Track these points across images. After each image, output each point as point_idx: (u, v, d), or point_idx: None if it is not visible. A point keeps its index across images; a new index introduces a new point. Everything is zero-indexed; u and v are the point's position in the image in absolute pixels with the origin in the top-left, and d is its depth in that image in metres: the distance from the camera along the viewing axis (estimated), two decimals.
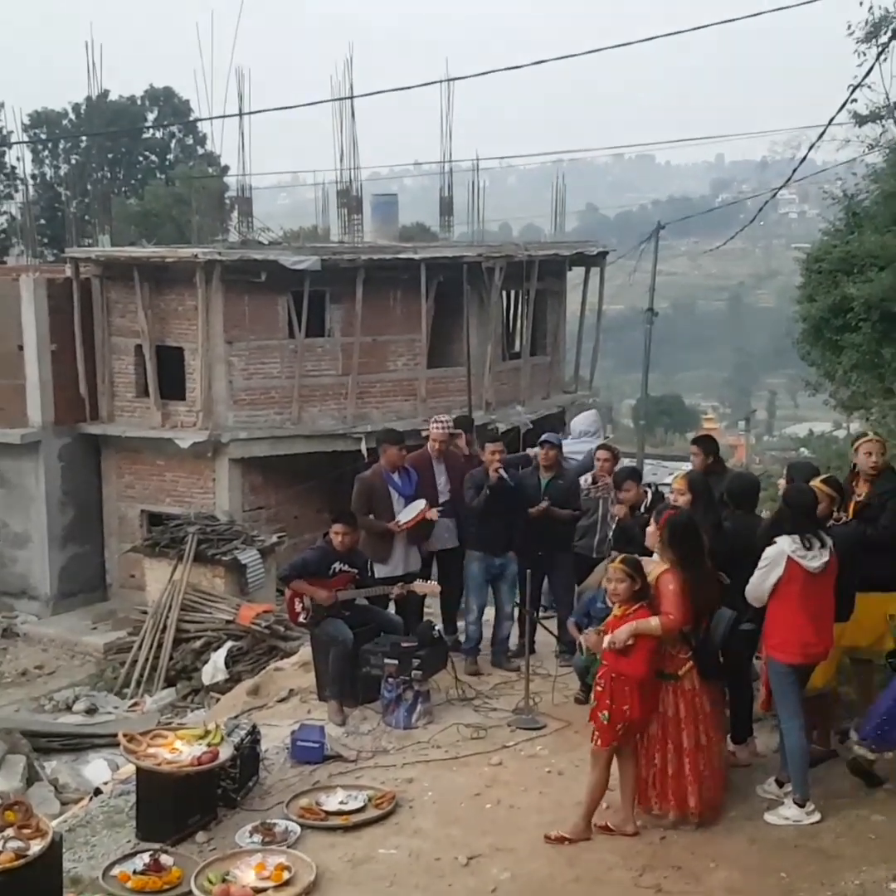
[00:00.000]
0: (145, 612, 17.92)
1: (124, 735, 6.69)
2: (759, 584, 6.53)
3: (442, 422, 9.55)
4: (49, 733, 14.31)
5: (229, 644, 16.36)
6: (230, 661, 16.00)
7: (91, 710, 16.28)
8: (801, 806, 6.51)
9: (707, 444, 9.29)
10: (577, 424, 10.52)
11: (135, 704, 16.38)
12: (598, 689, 6.43)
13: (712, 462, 9.01)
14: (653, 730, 6.43)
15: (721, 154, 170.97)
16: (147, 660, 17.12)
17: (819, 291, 16.12)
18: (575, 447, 10.21)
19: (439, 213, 24.20)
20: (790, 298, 18.99)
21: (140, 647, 17.38)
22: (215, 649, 16.48)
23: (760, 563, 6.54)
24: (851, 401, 16.67)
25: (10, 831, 5.03)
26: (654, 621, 6.30)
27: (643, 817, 6.50)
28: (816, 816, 6.48)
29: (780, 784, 6.75)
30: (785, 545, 6.46)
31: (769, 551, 6.53)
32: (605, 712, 6.29)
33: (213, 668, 16.05)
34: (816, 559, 6.45)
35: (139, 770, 6.52)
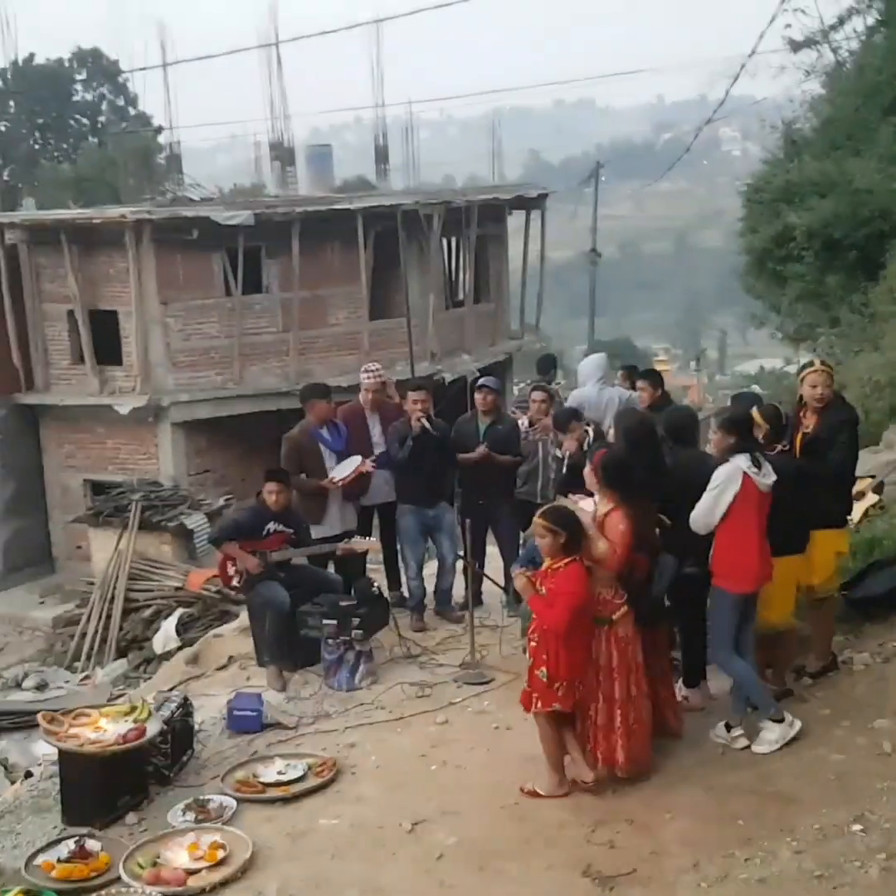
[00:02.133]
0: (92, 584, 17.53)
1: (44, 716, 6.32)
2: (712, 507, 6.28)
3: (372, 371, 9.17)
4: None
5: (180, 611, 16.02)
6: (181, 628, 15.65)
7: (41, 686, 15.85)
8: (780, 721, 6.37)
9: (654, 377, 9.05)
10: (584, 370, 10.05)
11: (86, 678, 16.00)
12: (532, 644, 6.12)
13: (660, 396, 8.79)
14: (588, 680, 6.15)
15: (661, 95, 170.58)
16: (97, 632, 16.74)
17: (761, 222, 15.94)
18: (588, 394, 9.69)
19: (375, 162, 23.64)
20: (735, 237, 18.85)
21: (89, 619, 16.99)
22: (166, 617, 16.13)
23: (711, 485, 6.29)
24: (798, 333, 16.57)
25: None
26: (602, 545, 6.01)
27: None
28: (799, 724, 6.36)
29: (729, 728, 6.54)
30: (740, 462, 6.25)
31: (722, 470, 6.29)
32: (543, 669, 5.98)
33: (165, 637, 15.71)
34: (767, 477, 6.28)
35: (61, 752, 6.18)
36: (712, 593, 6.55)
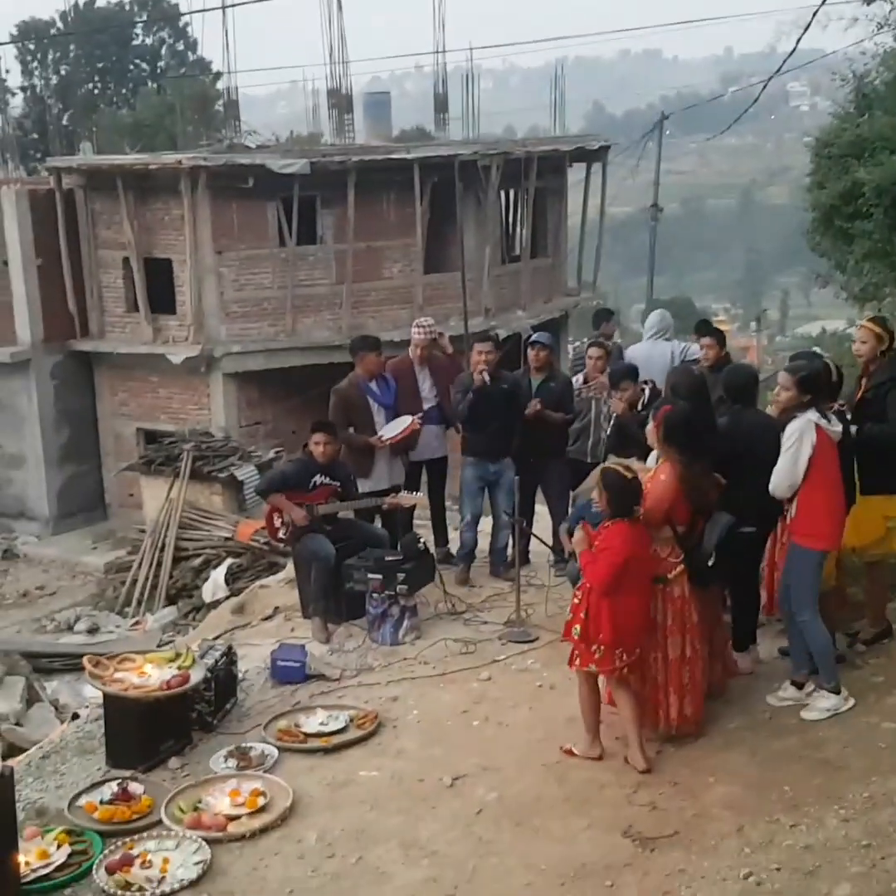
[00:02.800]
0: (144, 531, 17.70)
1: (89, 659, 6.36)
2: (793, 464, 6.09)
3: (424, 327, 9.03)
4: (49, 654, 14.13)
5: (229, 561, 16.13)
6: (230, 578, 15.77)
7: (93, 630, 16.13)
8: (837, 693, 6.25)
9: (719, 335, 8.86)
10: (646, 324, 10.02)
11: (136, 623, 16.21)
12: (575, 601, 6.05)
13: (724, 355, 8.62)
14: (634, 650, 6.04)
15: (730, 47, 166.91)
16: (147, 579, 16.94)
17: (829, 177, 15.44)
18: (640, 349, 9.63)
19: (434, 111, 23.29)
20: (801, 194, 18.35)
21: (140, 566, 17.19)
22: (215, 567, 16.26)
23: (786, 444, 6.11)
24: (864, 293, 16.08)
25: None
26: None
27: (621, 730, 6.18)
28: (852, 702, 6.23)
29: (800, 686, 6.41)
30: (811, 415, 6.11)
31: (794, 425, 6.12)
32: (577, 627, 5.90)
33: (214, 586, 15.84)
34: (836, 426, 6.17)
35: (106, 696, 6.21)
36: (793, 552, 6.36)
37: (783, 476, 6.14)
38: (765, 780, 5.70)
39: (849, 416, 6.64)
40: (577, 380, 9.05)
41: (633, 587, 5.86)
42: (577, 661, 5.97)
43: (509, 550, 9.04)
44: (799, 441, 6.08)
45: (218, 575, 15.90)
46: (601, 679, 6.08)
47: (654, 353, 9.33)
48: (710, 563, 6.17)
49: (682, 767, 5.91)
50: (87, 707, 8.09)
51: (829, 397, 6.51)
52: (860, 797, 5.31)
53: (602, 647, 5.86)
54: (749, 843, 5.14)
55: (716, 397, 7.08)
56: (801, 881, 4.74)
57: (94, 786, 5.89)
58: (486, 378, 8.48)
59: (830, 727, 6.13)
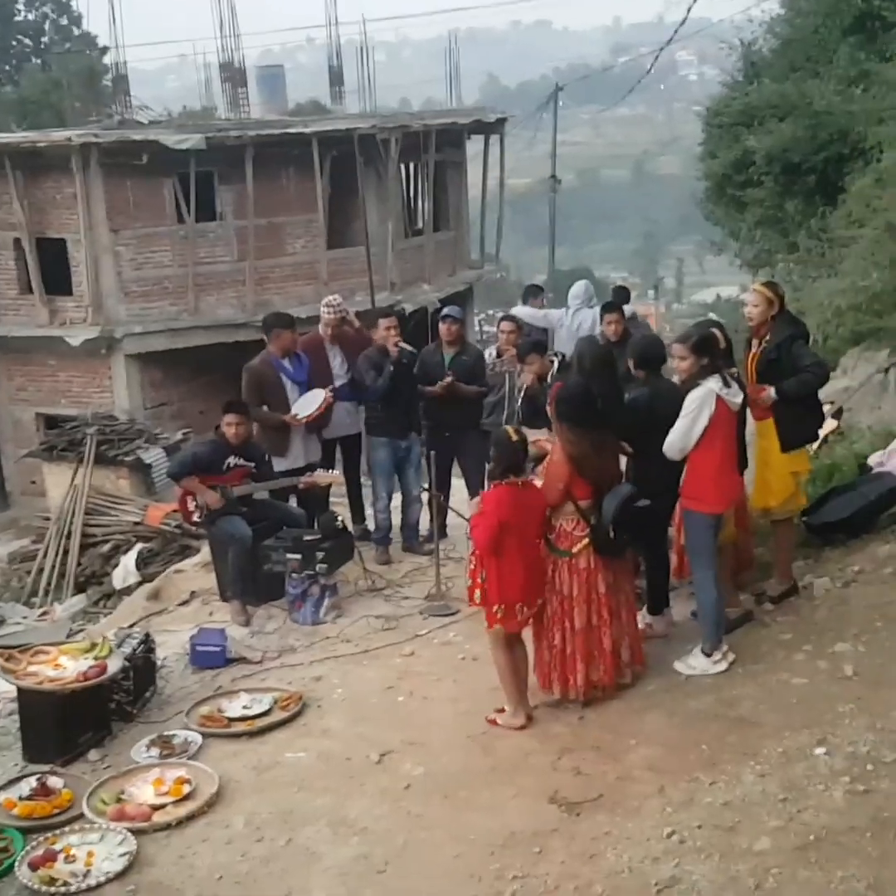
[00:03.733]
0: (48, 519, 17.29)
1: (0, 653, 6.21)
2: (687, 431, 6.24)
3: (333, 305, 8.95)
4: None
5: (139, 546, 15.83)
6: (141, 563, 15.48)
7: None
8: (709, 655, 6.44)
9: (621, 310, 9.04)
10: (570, 294, 10.58)
11: (44, 613, 15.85)
12: (471, 566, 6.20)
13: (626, 328, 8.77)
14: (552, 609, 6.19)
15: (618, 16, 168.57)
16: (54, 567, 16.55)
17: (720, 147, 15.76)
18: (558, 316, 10.23)
19: (329, 84, 23.06)
20: (693, 164, 18.65)
21: (45, 554, 16.78)
22: (125, 552, 15.96)
23: (686, 410, 6.25)
24: (756, 259, 16.46)
25: None
26: (537, 481, 6.13)
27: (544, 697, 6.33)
28: (723, 666, 6.42)
29: (708, 654, 6.57)
30: (712, 384, 6.22)
31: (696, 394, 6.25)
32: (478, 591, 6.08)
33: (124, 572, 15.55)
34: (736, 396, 6.30)
35: (20, 690, 6.08)
36: (684, 516, 6.56)
37: (676, 439, 6.30)
38: (683, 740, 5.82)
39: (742, 381, 6.83)
40: (490, 353, 9.11)
41: (516, 547, 5.98)
42: (487, 621, 6.12)
43: (422, 525, 9.08)
44: (697, 410, 6.23)
45: (128, 560, 15.62)
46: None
47: (574, 322, 9.89)
48: (610, 535, 6.27)
49: (604, 732, 6.01)
50: None
51: (726, 363, 6.66)
52: (775, 752, 5.45)
53: (502, 607, 6.03)
54: (671, 802, 5.24)
55: (623, 370, 7.19)
56: (723, 837, 4.86)
57: (12, 782, 5.76)
58: (406, 347, 8.50)
59: (744, 684, 6.28)
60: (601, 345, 7.88)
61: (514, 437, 6.05)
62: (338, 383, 8.78)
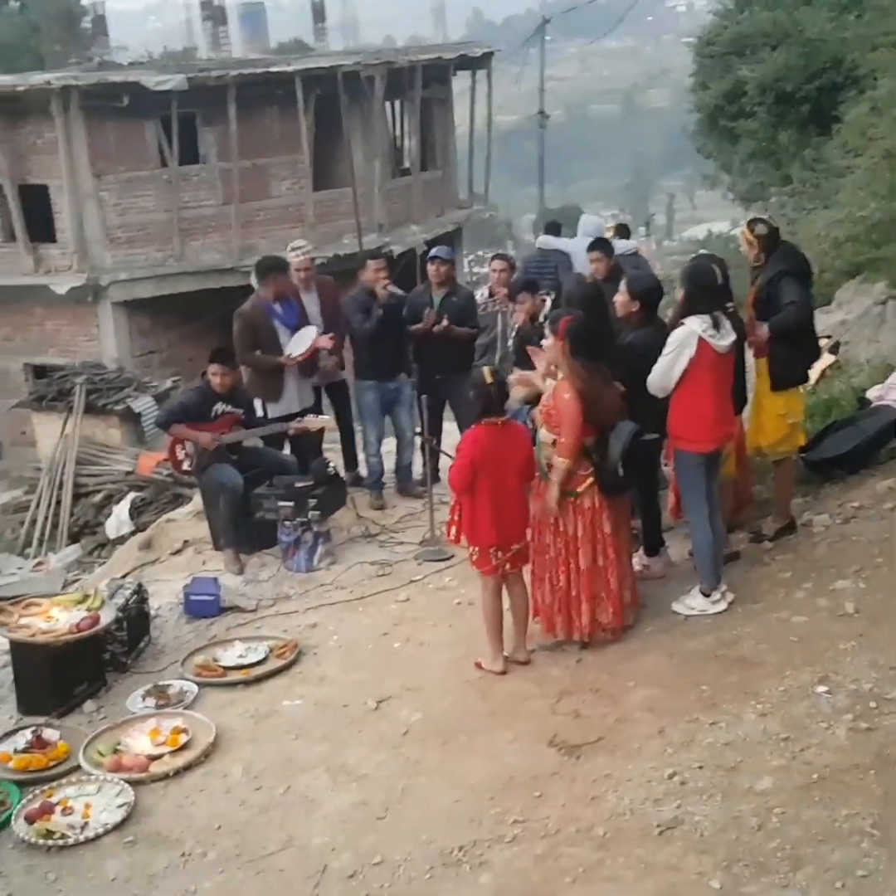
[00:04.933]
0: (40, 469, 17.22)
1: None
2: (668, 370, 6.17)
3: (299, 247, 8.71)
4: None
5: (131, 495, 15.80)
6: (134, 512, 15.46)
7: None
8: (707, 595, 6.39)
9: (605, 247, 8.82)
10: (583, 227, 10.79)
11: (39, 564, 15.83)
12: (452, 504, 6.18)
13: (613, 265, 8.59)
14: (554, 551, 6.12)
15: None
16: (47, 517, 16.52)
17: (712, 77, 15.49)
18: (577, 245, 10.18)
19: (312, 20, 22.60)
20: (683, 97, 18.35)
21: (38, 505, 16.74)
22: (117, 502, 15.92)
23: (667, 348, 6.17)
24: (750, 193, 16.26)
25: None
26: (558, 461, 5.95)
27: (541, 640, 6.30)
28: (723, 606, 6.37)
29: (707, 595, 6.52)
30: (695, 325, 6.11)
31: (677, 333, 6.16)
32: (454, 529, 6.08)
33: (117, 521, 15.52)
34: (725, 338, 6.16)
35: (13, 643, 6.02)
36: (675, 456, 6.50)
37: (656, 378, 6.25)
38: (683, 680, 5.78)
39: (745, 318, 6.71)
40: (482, 294, 8.96)
41: (488, 489, 5.91)
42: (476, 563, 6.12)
43: (416, 467, 9.00)
44: (677, 350, 6.14)
45: (121, 510, 15.58)
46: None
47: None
48: (619, 473, 6.19)
49: (603, 674, 5.97)
50: None
51: (719, 300, 6.51)
52: (776, 692, 5.41)
53: (476, 549, 6.02)
54: (671, 743, 5.21)
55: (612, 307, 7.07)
56: (724, 777, 4.84)
57: (7, 735, 5.73)
58: (395, 291, 8.34)
59: (744, 624, 6.23)
60: (589, 283, 7.73)
61: (489, 379, 5.96)
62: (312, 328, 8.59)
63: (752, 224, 7.04)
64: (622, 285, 6.87)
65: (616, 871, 4.36)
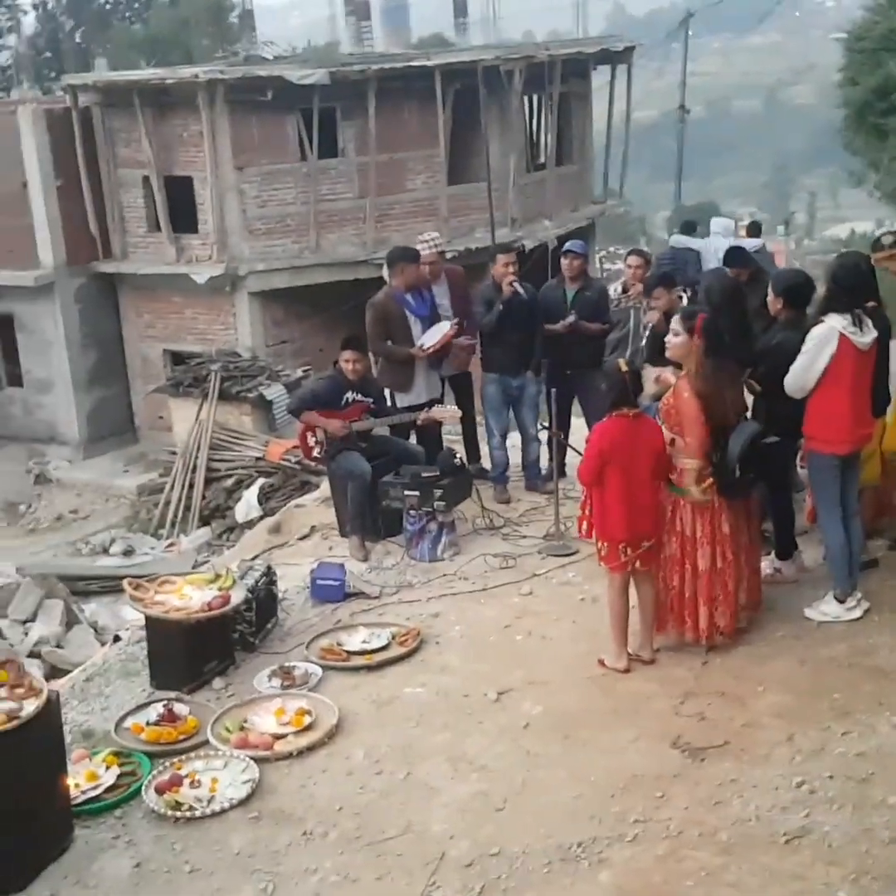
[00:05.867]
0: (175, 453, 17.76)
1: (129, 582, 6.33)
2: (808, 367, 5.99)
3: (427, 241, 8.72)
4: (87, 576, 14.27)
5: (260, 481, 16.17)
6: (262, 497, 15.82)
7: (128, 552, 16.27)
8: (842, 601, 6.20)
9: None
10: (713, 226, 11.92)
11: (171, 545, 16.33)
12: (582, 499, 6.13)
13: (751, 270, 8.39)
14: (671, 550, 6.01)
15: None
16: (180, 500, 17.04)
17: (862, 73, 14.93)
18: (700, 244, 11.38)
19: (453, 14, 22.67)
20: (829, 93, 17.76)
21: (172, 487, 17.27)
22: (247, 487, 16.31)
23: (806, 346, 5.99)
24: None
25: (1, 692, 4.70)
26: (687, 462, 5.87)
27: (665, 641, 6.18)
28: (858, 613, 6.18)
29: (842, 601, 6.32)
30: (835, 322, 5.93)
31: (817, 331, 5.98)
32: (585, 524, 6.06)
33: (247, 506, 15.90)
34: (866, 335, 5.97)
35: (148, 618, 6.20)
36: (808, 458, 6.33)
37: (795, 378, 6.07)
38: (814, 687, 5.64)
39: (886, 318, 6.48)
40: (615, 289, 8.86)
41: (618, 483, 5.81)
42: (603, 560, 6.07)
43: (543, 462, 8.95)
44: (817, 348, 5.97)
45: (250, 495, 15.95)
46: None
47: (711, 247, 10.67)
48: (736, 475, 6.04)
49: (729, 677, 5.85)
50: (127, 629, 8.11)
51: (861, 297, 6.29)
52: None
53: (605, 544, 5.94)
54: (800, 751, 5.09)
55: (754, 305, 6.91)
56: (856, 788, 4.70)
57: (140, 707, 5.89)
58: (519, 288, 8.28)
59: (879, 633, 6.05)
60: (730, 277, 7.55)
61: (624, 369, 5.88)
62: (446, 323, 8.61)
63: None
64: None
65: (740, 876, 4.27)
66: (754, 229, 12.01)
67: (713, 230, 11.41)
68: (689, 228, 12.47)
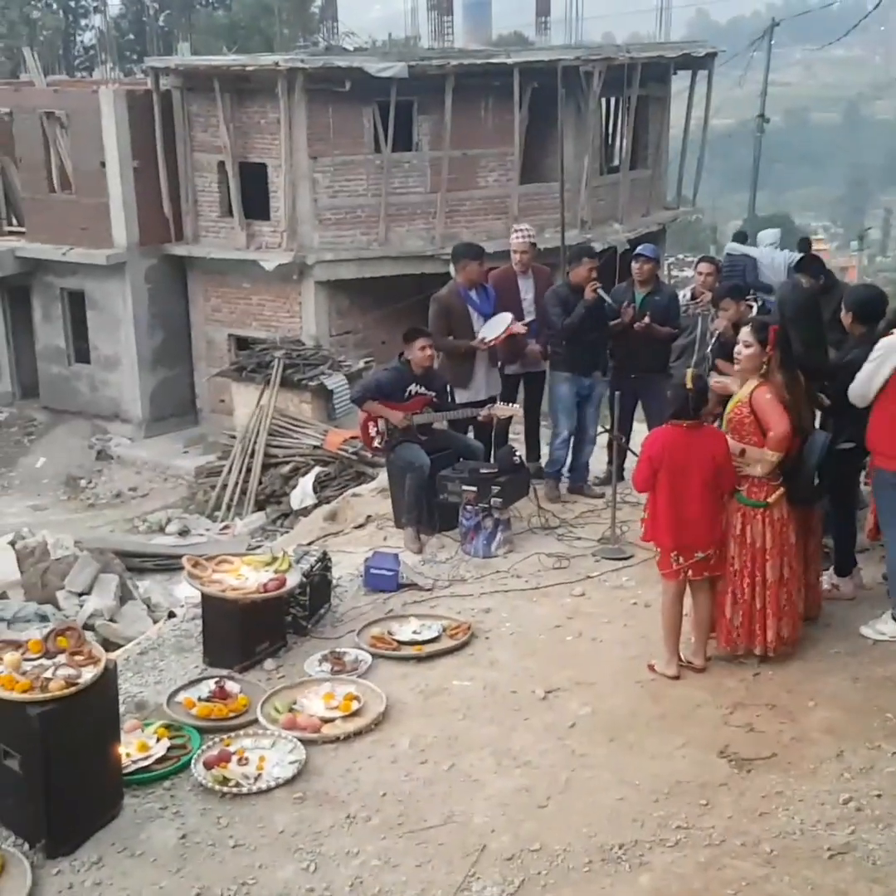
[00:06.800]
0: (234, 437, 17.94)
1: (188, 560, 6.43)
2: (870, 378, 5.96)
3: (521, 230, 8.79)
4: (142, 553, 14.49)
5: (317, 469, 16.30)
6: (318, 486, 15.95)
7: (183, 532, 16.51)
8: None
9: (817, 266, 8.63)
10: (763, 238, 12.56)
11: (226, 527, 16.52)
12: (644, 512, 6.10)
13: (824, 283, 8.31)
14: (739, 563, 5.96)
15: None
16: (237, 484, 17.23)
17: None
18: (760, 254, 11.83)
19: (536, 13, 22.60)
20: None
21: (229, 471, 17.47)
22: (303, 475, 16.45)
23: (872, 355, 5.96)
24: None
25: (61, 658, 4.80)
26: (769, 455, 5.81)
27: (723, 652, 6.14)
28: None
29: None
30: None
31: (883, 342, 5.94)
32: (643, 527, 6.05)
33: (302, 493, 16.04)
34: None
35: (204, 596, 6.28)
36: (873, 474, 6.27)
37: (858, 385, 6.06)
38: (867, 705, 5.59)
39: None
40: (684, 295, 8.82)
41: (668, 490, 5.81)
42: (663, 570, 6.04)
43: (600, 465, 8.94)
44: (882, 357, 5.93)
45: (306, 483, 16.08)
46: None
47: (772, 259, 11.19)
48: (814, 483, 6.00)
49: (781, 690, 5.81)
50: (182, 606, 8.25)
51: None
52: None
53: (658, 549, 5.97)
54: (849, 768, 5.05)
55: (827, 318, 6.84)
56: None
57: (192, 683, 5.97)
58: (602, 294, 8.29)
59: None
60: (806, 290, 7.49)
61: (689, 384, 5.83)
62: (528, 319, 8.63)
63: None
64: None
65: (781, 888, 4.24)
66: (740, 238, 12.96)
67: (762, 243, 12.22)
68: (740, 237, 13.02)
